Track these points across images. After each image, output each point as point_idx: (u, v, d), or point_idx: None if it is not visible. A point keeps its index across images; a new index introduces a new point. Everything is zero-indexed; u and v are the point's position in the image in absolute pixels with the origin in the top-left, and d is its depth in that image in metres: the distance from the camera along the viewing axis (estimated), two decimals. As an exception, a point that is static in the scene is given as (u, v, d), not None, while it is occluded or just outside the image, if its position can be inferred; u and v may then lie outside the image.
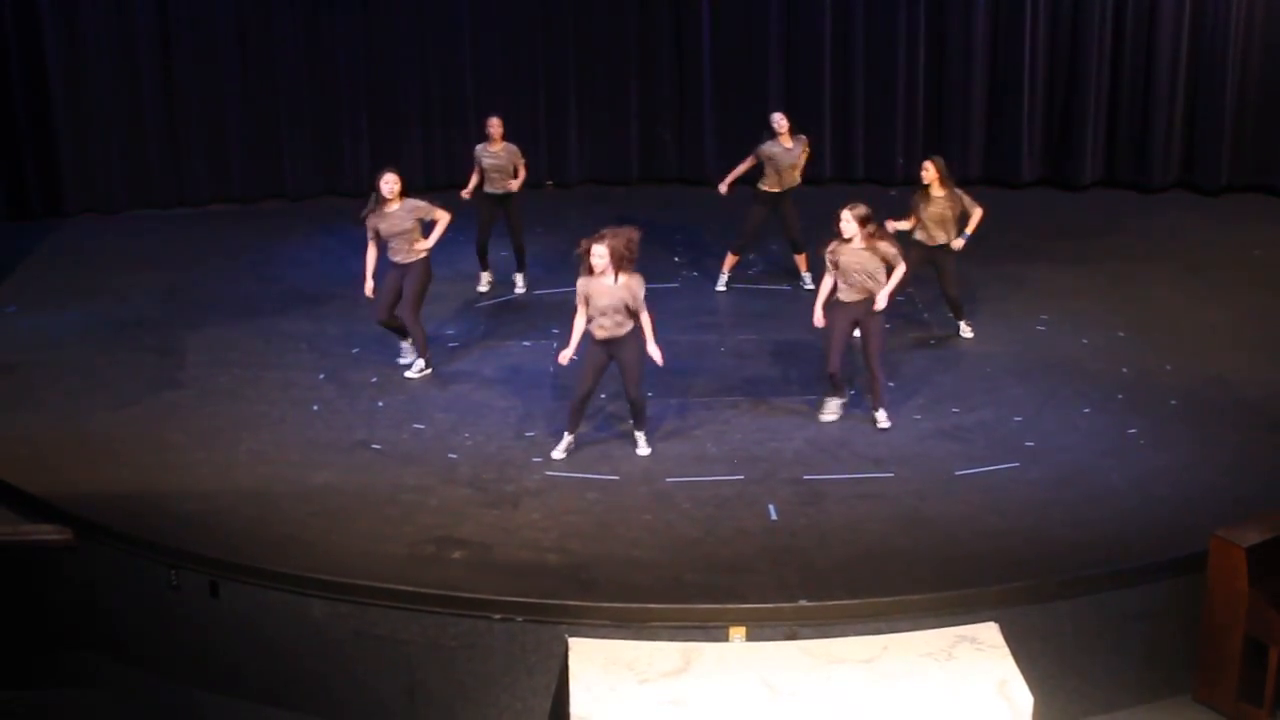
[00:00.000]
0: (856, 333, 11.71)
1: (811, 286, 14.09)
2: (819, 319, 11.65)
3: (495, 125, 14.17)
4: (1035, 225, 16.69)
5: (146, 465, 11.21)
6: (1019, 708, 8.61)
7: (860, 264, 11.37)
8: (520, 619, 9.29)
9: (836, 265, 11.44)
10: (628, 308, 10.86)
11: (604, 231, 10.89)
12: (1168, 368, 12.67)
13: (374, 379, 12.64)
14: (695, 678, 8.80)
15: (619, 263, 10.77)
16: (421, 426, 11.70)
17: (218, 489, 10.82)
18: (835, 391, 11.77)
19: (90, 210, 17.42)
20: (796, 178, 14.39)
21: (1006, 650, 8.99)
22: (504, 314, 14.17)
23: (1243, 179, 17.58)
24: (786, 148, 14.21)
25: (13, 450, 11.40)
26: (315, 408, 12.16)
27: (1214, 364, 12.72)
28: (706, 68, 18.08)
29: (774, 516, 10.38)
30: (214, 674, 10.09)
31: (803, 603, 9.28)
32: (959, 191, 13.11)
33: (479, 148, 14.29)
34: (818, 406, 11.81)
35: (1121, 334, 13.41)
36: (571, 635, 9.17)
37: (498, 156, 14.17)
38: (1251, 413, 11.82)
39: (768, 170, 14.25)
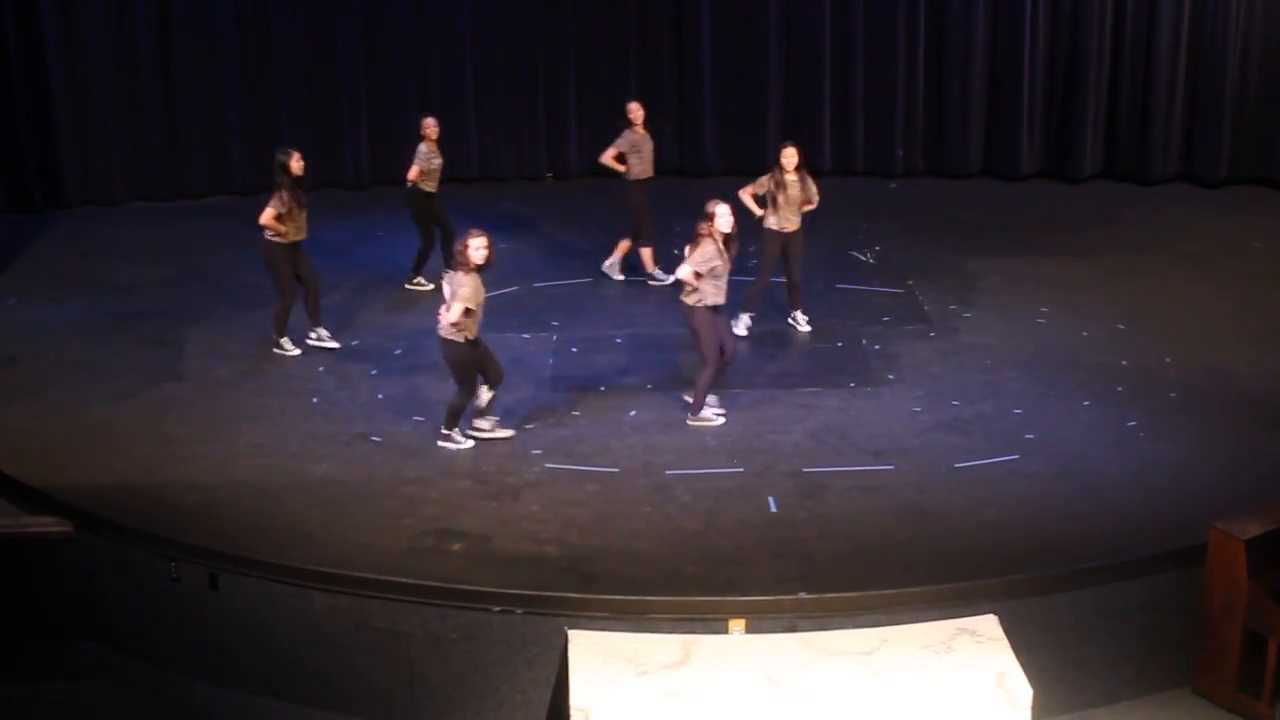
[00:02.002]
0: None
1: (664, 279, 14.39)
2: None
3: (432, 125, 14.22)
4: (1035, 218, 16.70)
5: (146, 457, 11.21)
6: (1018, 700, 8.62)
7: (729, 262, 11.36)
8: (520, 611, 9.30)
9: (717, 270, 11.31)
10: None
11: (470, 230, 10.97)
12: (1167, 360, 12.68)
13: (373, 371, 12.64)
14: (694, 670, 8.80)
15: None
16: (421, 419, 11.70)
17: (217, 481, 10.82)
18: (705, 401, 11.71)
19: (90, 202, 17.44)
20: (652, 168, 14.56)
21: (1006, 642, 9.00)
22: (504, 307, 14.16)
23: (1242, 171, 17.59)
24: (645, 135, 14.39)
25: (13, 442, 11.41)
26: (315, 400, 12.16)
27: (1214, 356, 12.73)
28: (706, 59, 18.08)
29: (773, 509, 10.38)
30: (214, 666, 10.10)
31: (802, 595, 9.29)
32: (808, 176, 13.19)
33: (429, 149, 14.20)
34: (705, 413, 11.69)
35: (1121, 326, 13.41)
36: (571, 627, 9.18)
37: (440, 155, 14.24)
38: (1251, 405, 11.82)
39: (633, 159, 14.35)
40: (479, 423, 11.36)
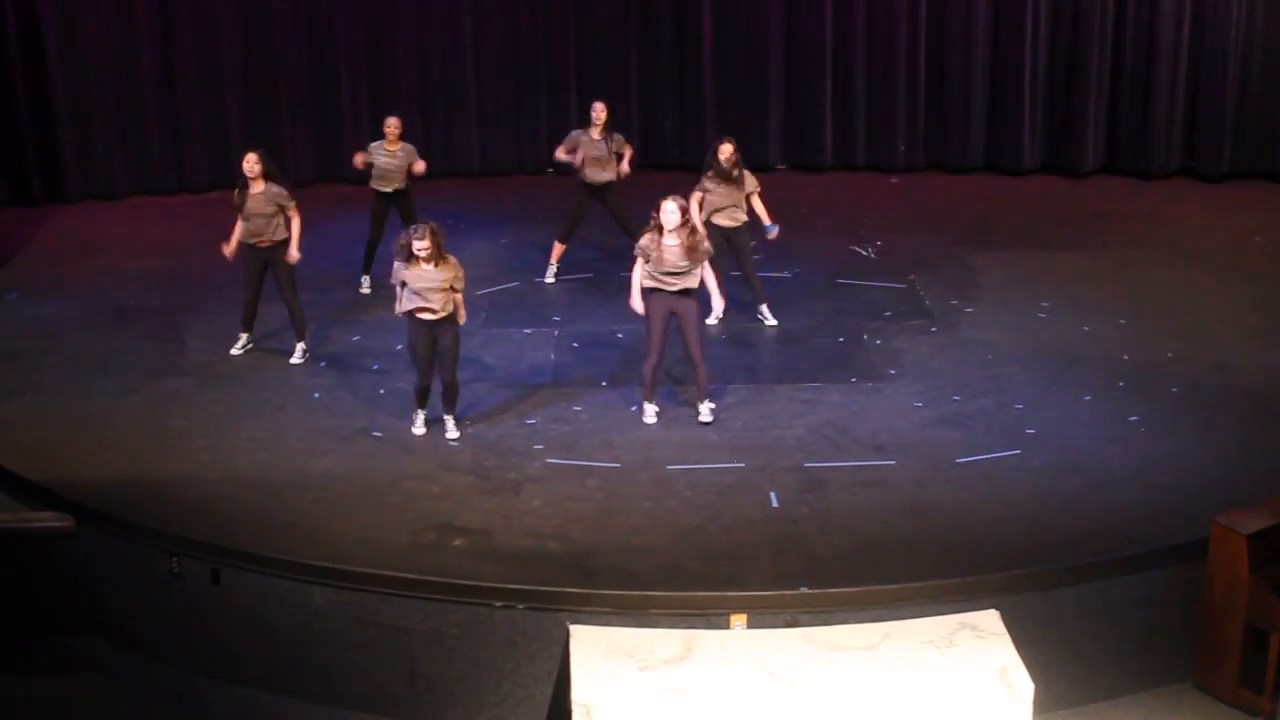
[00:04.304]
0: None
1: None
2: (636, 305, 11.44)
3: (393, 125, 14.05)
4: (1036, 212, 16.70)
5: (147, 452, 11.21)
6: (1020, 695, 8.62)
7: (675, 258, 11.20)
8: (521, 606, 9.29)
9: (648, 259, 11.25)
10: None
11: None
12: (1169, 355, 12.67)
13: (375, 366, 12.64)
14: (696, 665, 8.80)
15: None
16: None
17: (219, 476, 10.82)
18: (651, 395, 11.58)
19: (91, 197, 17.44)
20: (612, 173, 14.29)
21: (1007, 637, 9.00)
22: (505, 302, 14.16)
23: (1244, 166, 17.58)
24: (593, 139, 14.20)
25: (14, 437, 11.41)
26: (316, 395, 12.16)
27: (1215, 351, 12.72)
28: (707, 53, 18.07)
29: (775, 504, 10.38)
30: (215, 660, 10.10)
31: (804, 590, 9.29)
32: (745, 171, 13.06)
33: (374, 145, 14.10)
34: (640, 410, 11.61)
35: (1123, 321, 13.41)
36: (572, 623, 9.18)
37: (394, 156, 14.04)
38: (1252, 400, 11.81)
39: (583, 159, 14.29)
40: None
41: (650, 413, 11.58)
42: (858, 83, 18.09)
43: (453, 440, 11.29)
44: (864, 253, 15.30)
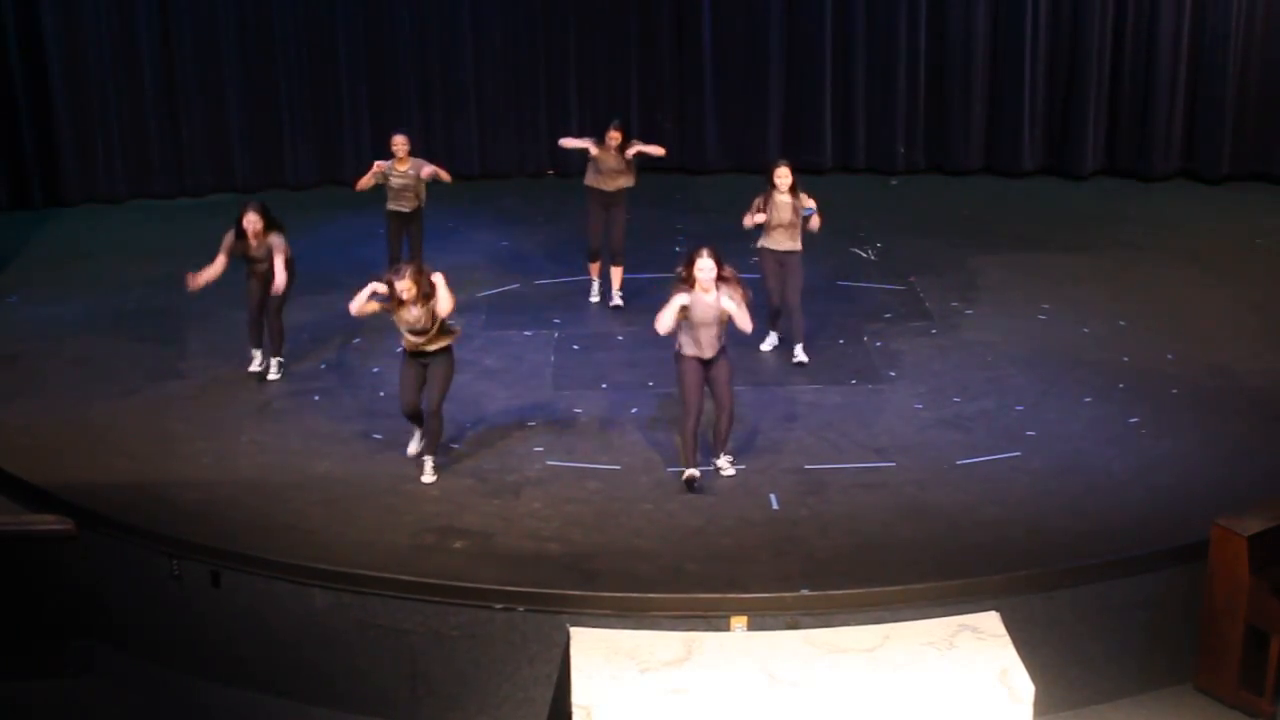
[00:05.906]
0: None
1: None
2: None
3: (401, 144, 13.65)
4: (1036, 214, 16.71)
5: (148, 455, 11.21)
6: (1020, 696, 8.62)
7: (713, 316, 10.54)
8: (522, 609, 9.30)
9: (688, 318, 10.51)
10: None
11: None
12: (1169, 357, 12.67)
13: (375, 369, 12.64)
14: (697, 667, 8.80)
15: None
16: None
17: (219, 479, 10.82)
18: (692, 457, 10.72)
19: (91, 200, 17.44)
20: (619, 184, 13.85)
21: (1008, 639, 9.00)
22: (505, 304, 14.16)
23: (1244, 167, 17.58)
24: (610, 151, 13.68)
25: (14, 440, 11.42)
26: (316, 397, 12.16)
27: (1215, 353, 12.73)
28: (707, 55, 18.07)
29: (775, 506, 10.39)
30: (216, 663, 10.10)
31: (804, 592, 9.29)
32: (802, 195, 12.47)
33: (386, 165, 13.71)
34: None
35: (1123, 323, 13.41)
36: (573, 625, 9.18)
37: (405, 176, 13.77)
38: (1253, 401, 11.82)
39: (589, 167, 13.96)
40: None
41: (692, 475, 10.69)
42: (858, 83, 18.10)
43: (428, 481, 10.71)
44: (864, 254, 15.31)
